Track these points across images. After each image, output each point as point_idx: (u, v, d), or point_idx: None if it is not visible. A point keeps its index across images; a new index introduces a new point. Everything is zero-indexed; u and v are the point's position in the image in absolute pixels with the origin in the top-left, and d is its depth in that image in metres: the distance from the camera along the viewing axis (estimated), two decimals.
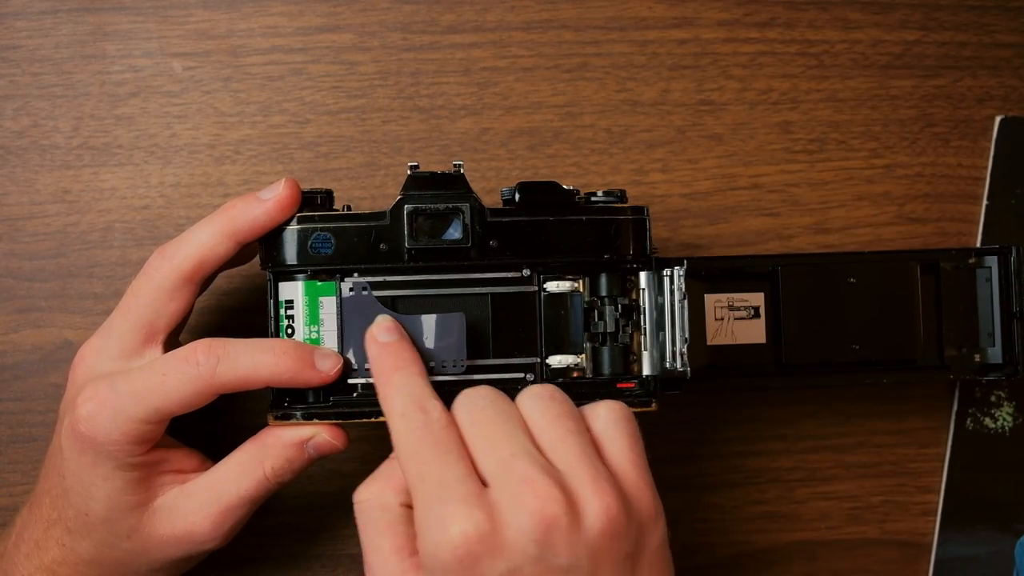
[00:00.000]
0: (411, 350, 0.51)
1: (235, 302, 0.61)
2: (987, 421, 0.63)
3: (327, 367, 0.51)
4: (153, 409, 0.50)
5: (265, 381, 0.51)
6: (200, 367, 0.50)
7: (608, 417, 0.50)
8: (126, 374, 0.50)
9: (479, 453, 0.47)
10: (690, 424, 0.62)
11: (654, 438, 0.62)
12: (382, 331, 0.51)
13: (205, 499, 0.52)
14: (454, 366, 0.52)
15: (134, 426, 0.50)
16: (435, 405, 0.48)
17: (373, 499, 0.49)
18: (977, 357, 0.58)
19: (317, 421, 0.52)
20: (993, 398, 0.63)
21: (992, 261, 0.58)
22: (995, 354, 0.58)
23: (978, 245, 0.63)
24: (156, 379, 0.50)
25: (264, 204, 0.52)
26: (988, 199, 0.63)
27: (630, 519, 0.47)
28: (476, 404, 0.48)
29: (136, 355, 0.52)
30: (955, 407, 0.63)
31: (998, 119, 0.64)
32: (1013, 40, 0.64)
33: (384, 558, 0.48)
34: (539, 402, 0.49)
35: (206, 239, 0.52)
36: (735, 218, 0.63)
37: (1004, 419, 0.63)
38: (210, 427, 0.58)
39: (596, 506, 0.46)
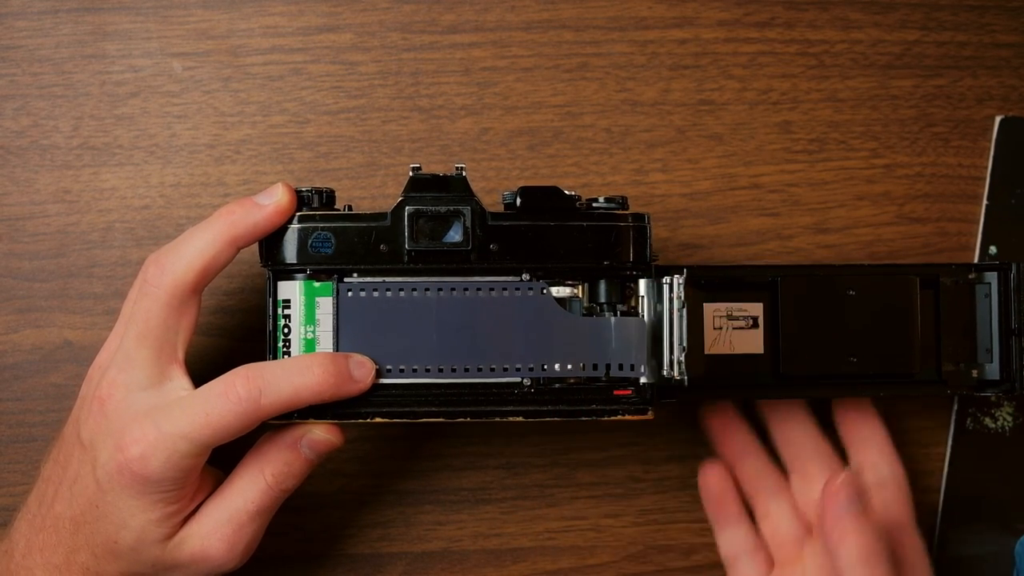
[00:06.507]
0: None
1: (235, 302, 0.61)
2: (987, 421, 0.63)
3: (362, 375, 0.52)
4: (202, 446, 0.50)
5: (308, 403, 0.51)
6: (243, 403, 0.50)
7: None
8: (167, 412, 0.50)
9: None
10: (690, 424, 0.62)
11: (655, 438, 0.62)
12: None
13: (216, 519, 0.52)
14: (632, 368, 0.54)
15: (186, 462, 0.50)
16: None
17: None
18: (975, 373, 0.58)
19: (314, 421, 0.52)
20: (993, 398, 0.63)
21: (992, 277, 0.58)
22: (993, 370, 0.58)
23: (978, 245, 0.63)
24: (200, 418, 0.50)
25: (264, 210, 0.52)
26: (988, 199, 0.63)
27: None
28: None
29: (165, 379, 0.52)
30: (955, 407, 0.63)
31: (998, 119, 0.64)
32: (1013, 40, 0.64)
33: None
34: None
35: (205, 247, 0.51)
36: (735, 218, 0.63)
37: (1004, 419, 0.63)
38: None
39: None
